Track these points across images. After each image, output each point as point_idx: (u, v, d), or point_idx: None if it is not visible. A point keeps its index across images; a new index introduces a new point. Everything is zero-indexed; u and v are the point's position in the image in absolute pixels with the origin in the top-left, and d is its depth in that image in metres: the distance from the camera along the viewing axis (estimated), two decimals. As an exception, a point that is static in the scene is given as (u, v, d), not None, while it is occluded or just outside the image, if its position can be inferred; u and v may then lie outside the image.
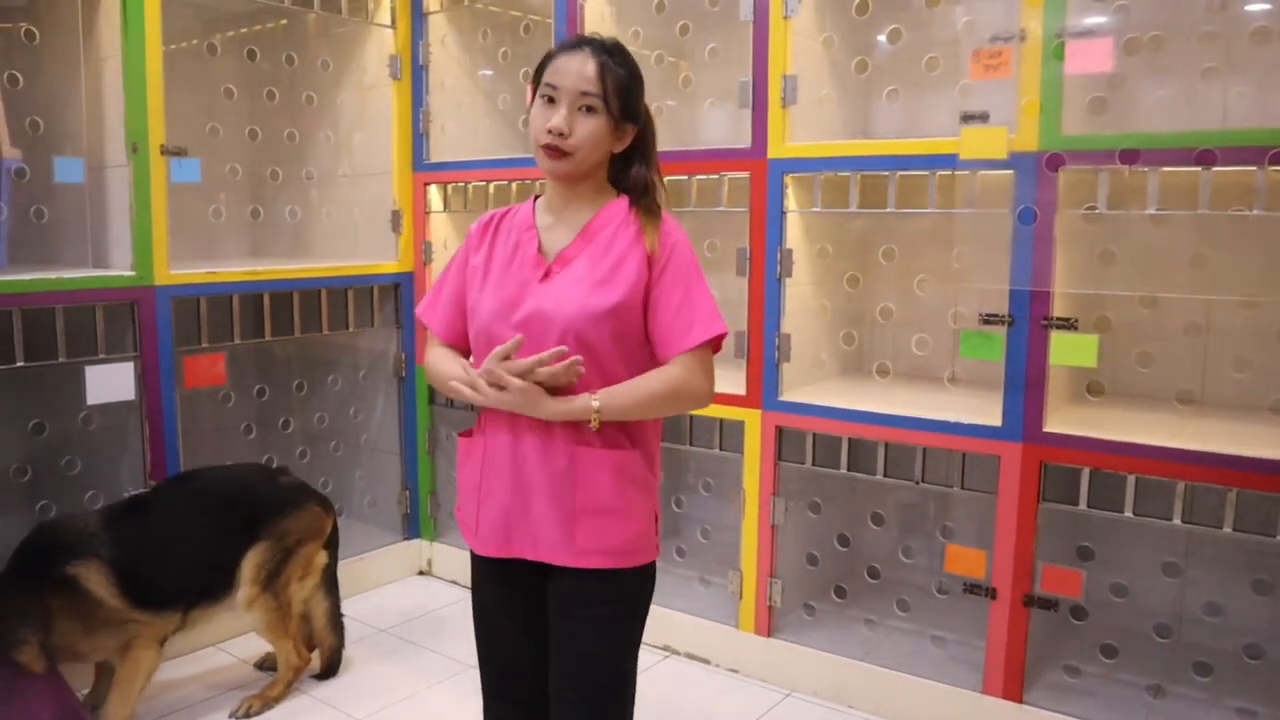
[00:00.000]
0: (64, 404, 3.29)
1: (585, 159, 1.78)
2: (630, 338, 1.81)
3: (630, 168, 1.88)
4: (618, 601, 1.85)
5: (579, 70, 1.75)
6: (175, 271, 3.22)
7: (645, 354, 1.84)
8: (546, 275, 1.81)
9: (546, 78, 1.78)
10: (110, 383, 3.09)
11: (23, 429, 3.38)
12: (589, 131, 1.76)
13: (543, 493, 1.79)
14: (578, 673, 1.83)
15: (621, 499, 1.81)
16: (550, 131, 1.75)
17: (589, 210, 1.85)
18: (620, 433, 1.82)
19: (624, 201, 1.86)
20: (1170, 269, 2.87)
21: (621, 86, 1.77)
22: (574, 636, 1.83)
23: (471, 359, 1.89)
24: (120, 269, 3.16)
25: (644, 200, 1.86)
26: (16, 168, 3.06)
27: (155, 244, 3.15)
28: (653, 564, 1.90)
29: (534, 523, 1.81)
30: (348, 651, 3.33)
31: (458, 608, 3.78)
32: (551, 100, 1.76)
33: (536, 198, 1.93)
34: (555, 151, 1.76)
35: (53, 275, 2.98)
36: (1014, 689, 2.73)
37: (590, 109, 1.75)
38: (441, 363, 1.90)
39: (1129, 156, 2.46)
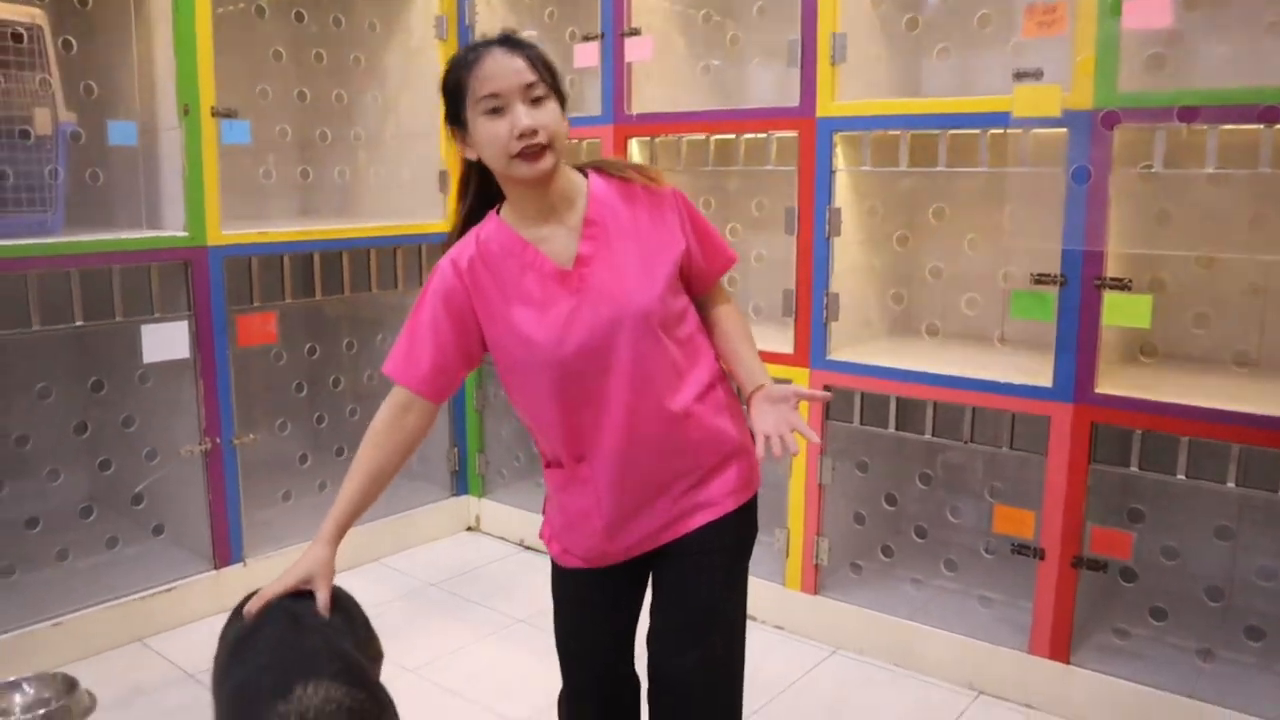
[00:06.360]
0: (121, 362, 3.37)
1: (562, 146, 1.70)
2: (676, 295, 1.81)
3: None
4: (737, 540, 1.87)
5: (510, 67, 1.65)
6: (227, 232, 3.26)
7: (684, 300, 1.84)
8: (576, 285, 1.73)
9: (480, 92, 1.66)
10: (165, 341, 3.15)
11: (82, 387, 3.47)
12: (552, 117, 1.67)
13: (672, 478, 1.79)
14: (696, 615, 1.81)
15: (733, 436, 1.84)
16: (522, 136, 1.64)
17: (574, 204, 1.76)
18: (707, 377, 1.83)
19: (599, 178, 1.80)
20: (1228, 229, 2.81)
21: (550, 65, 1.71)
22: (698, 586, 1.82)
23: (524, 411, 1.84)
24: (173, 230, 3.20)
25: (611, 165, 1.83)
26: (72, 131, 3.10)
27: (207, 205, 3.19)
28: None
29: (671, 505, 1.80)
30: (398, 604, 3.41)
31: (506, 563, 3.84)
32: (497, 110, 1.65)
33: (496, 215, 1.79)
34: (534, 153, 1.65)
35: (108, 236, 3.04)
36: (1061, 650, 2.73)
37: (538, 99, 1.66)
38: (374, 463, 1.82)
39: (1188, 114, 2.41)
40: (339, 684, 1.66)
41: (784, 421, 1.71)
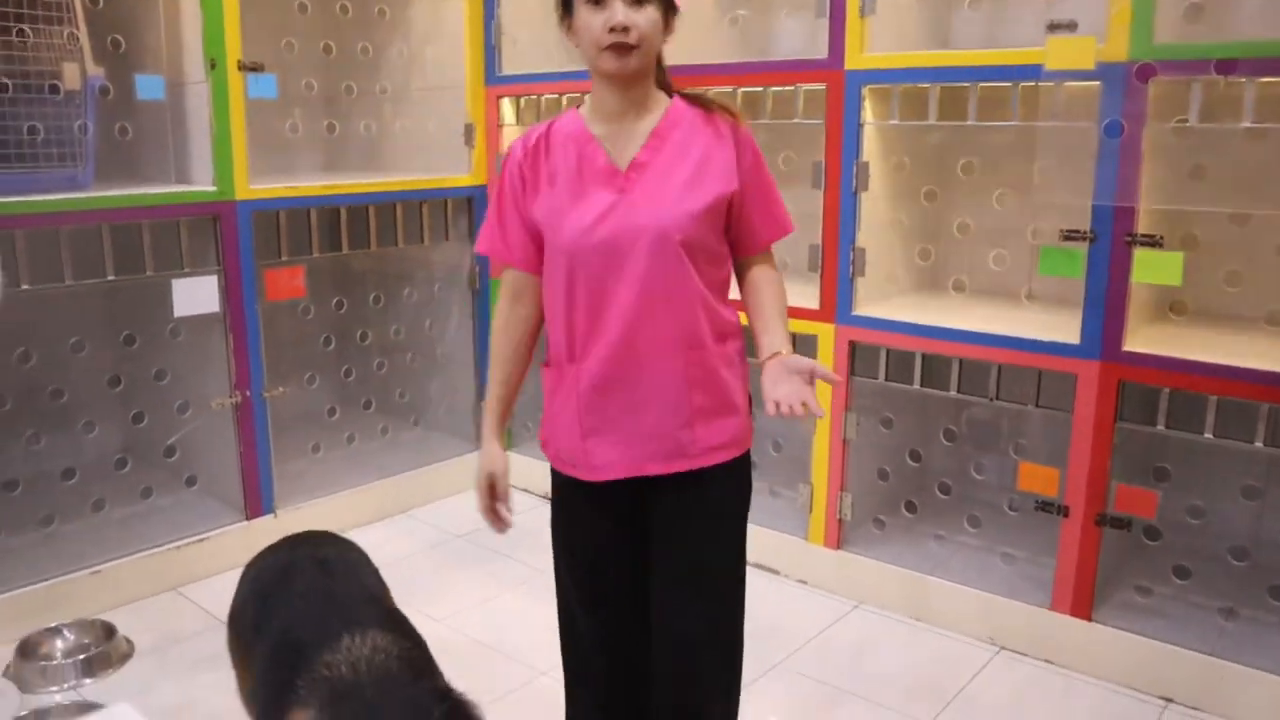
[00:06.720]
0: (152, 316, 3.41)
1: (650, 51, 1.73)
2: (716, 234, 1.81)
3: (664, 73, 1.84)
4: (732, 492, 1.88)
5: None
6: (255, 186, 3.27)
7: (724, 249, 1.85)
8: (622, 185, 1.77)
9: None
10: (196, 295, 3.18)
11: (115, 340, 3.52)
12: (649, 19, 1.70)
13: (658, 405, 1.79)
14: (698, 573, 1.84)
15: (732, 391, 1.84)
16: (614, 29, 1.67)
17: (649, 113, 1.80)
18: (724, 325, 1.83)
19: (681, 102, 1.82)
20: (1265, 185, 2.76)
21: None
22: (691, 537, 1.84)
23: (544, 284, 1.86)
24: (202, 184, 3.22)
25: (699, 95, 1.84)
26: (100, 85, 3.11)
27: (235, 159, 3.20)
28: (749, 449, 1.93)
29: (651, 437, 1.80)
30: (425, 556, 3.46)
31: (531, 515, 3.86)
32: (598, 2, 1.68)
33: (576, 110, 1.85)
34: (622, 48, 1.69)
35: (138, 191, 3.06)
36: (1083, 607, 2.74)
37: (640, 1, 1.69)
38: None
39: (1225, 66, 2.36)
40: (384, 632, 1.67)
41: (795, 394, 1.71)
